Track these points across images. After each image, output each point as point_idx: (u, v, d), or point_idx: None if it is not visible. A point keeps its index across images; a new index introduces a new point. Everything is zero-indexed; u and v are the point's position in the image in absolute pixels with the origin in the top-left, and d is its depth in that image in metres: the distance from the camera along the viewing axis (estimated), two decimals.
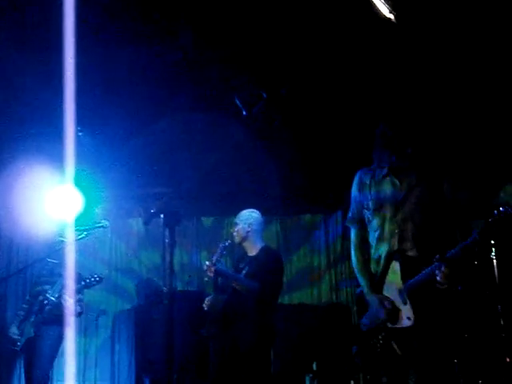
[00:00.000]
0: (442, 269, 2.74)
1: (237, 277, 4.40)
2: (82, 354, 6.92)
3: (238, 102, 2.72)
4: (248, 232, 4.54)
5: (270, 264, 4.44)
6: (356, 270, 3.22)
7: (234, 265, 4.73)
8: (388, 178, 3.10)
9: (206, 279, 4.50)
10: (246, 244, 4.56)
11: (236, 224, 4.60)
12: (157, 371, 6.27)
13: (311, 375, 5.96)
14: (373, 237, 3.12)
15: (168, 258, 2.75)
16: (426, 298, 2.87)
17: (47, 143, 5.73)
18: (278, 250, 4.92)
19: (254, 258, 4.49)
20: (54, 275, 5.12)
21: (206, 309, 4.50)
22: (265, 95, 2.68)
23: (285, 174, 6.41)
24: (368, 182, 3.17)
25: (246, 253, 4.62)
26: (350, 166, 6.21)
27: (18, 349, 5.04)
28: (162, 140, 5.73)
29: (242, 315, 4.30)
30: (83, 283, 5.07)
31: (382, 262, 3.04)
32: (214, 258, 4.38)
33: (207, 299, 4.50)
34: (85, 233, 4.93)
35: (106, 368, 7.07)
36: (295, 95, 4.39)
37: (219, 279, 4.48)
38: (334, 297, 7.04)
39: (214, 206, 6.80)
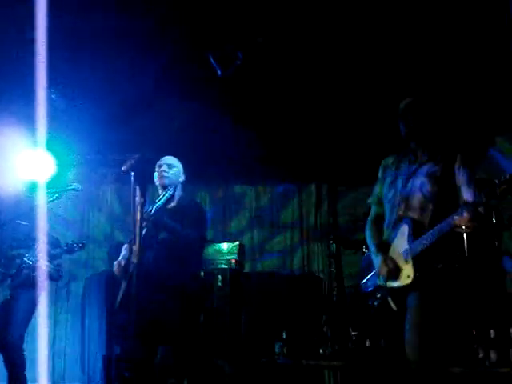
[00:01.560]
0: (464, 213, 2.87)
1: (175, 225, 4.02)
2: (52, 319, 6.89)
3: (212, 61, 2.66)
4: (179, 182, 4.28)
5: (198, 213, 4.22)
6: (367, 239, 3.44)
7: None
8: (407, 157, 3.36)
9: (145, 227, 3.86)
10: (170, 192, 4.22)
11: (171, 166, 4.25)
12: (127, 338, 6.26)
13: (281, 343, 6.01)
14: (387, 208, 3.35)
15: (138, 217, 2.73)
16: (428, 258, 3.04)
17: (19, 105, 5.62)
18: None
19: (176, 208, 4.16)
20: (30, 239, 5.06)
21: (117, 274, 4.09)
22: (240, 55, 2.62)
23: (259, 143, 6.36)
24: (390, 163, 3.44)
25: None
26: (327, 138, 6.31)
27: None
28: (135, 103, 5.64)
29: (170, 274, 3.95)
30: (65, 248, 5.01)
31: (391, 226, 3.26)
32: (154, 207, 4.05)
33: (118, 262, 4.11)
34: (56, 195, 4.89)
35: (76, 334, 7.04)
36: (273, 58, 4.32)
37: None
38: (306, 268, 7.07)
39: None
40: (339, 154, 6.59)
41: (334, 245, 6.53)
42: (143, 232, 3.91)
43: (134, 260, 2.69)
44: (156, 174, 4.32)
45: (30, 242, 5.03)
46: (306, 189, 7.28)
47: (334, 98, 5.71)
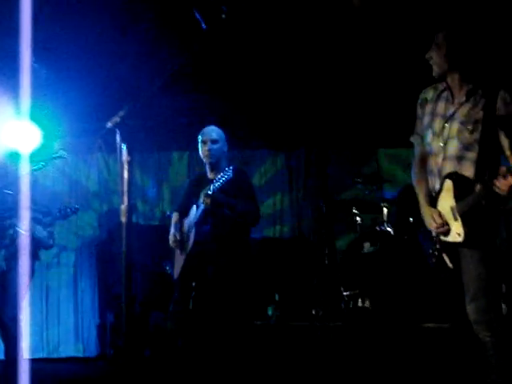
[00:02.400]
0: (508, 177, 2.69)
1: (235, 202, 4.12)
2: (44, 291, 6.89)
3: (197, 15, 2.60)
4: (224, 152, 4.31)
5: (248, 184, 4.29)
6: (414, 184, 3.25)
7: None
8: (445, 93, 3.08)
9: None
10: (216, 165, 4.28)
11: (215, 141, 4.25)
12: (121, 306, 6.27)
13: (274, 306, 6.05)
14: (427, 150, 3.14)
15: (125, 175, 2.68)
16: (476, 214, 2.88)
17: (2, 75, 5.53)
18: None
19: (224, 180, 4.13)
20: (21, 208, 5.01)
21: (174, 247, 4.31)
22: (225, 9, 2.56)
23: (244, 107, 6.28)
24: (429, 98, 3.14)
25: (204, 178, 4.38)
26: (315, 100, 6.23)
27: None
28: (122, 71, 5.56)
29: (225, 245, 4.18)
30: (58, 214, 4.97)
31: (433, 175, 3.09)
32: (212, 188, 4.07)
33: (174, 235, 4.30)
34: (41, 163, 4.84)
35: (69, 304, 7.03)
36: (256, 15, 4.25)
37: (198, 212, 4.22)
38: (297, 231, 7.07)
39: (175, 139, 6.67)
40: (328, 117, 6.53)
41: (324, 207, 6.52)
42: (201, 209, 4.16)
43: (123, 219, 2.65)
44: (200, 149, 4.30)
45: (20, 210, 4.99)
46: (295, 153, 7.22)
47: (319, 58, 5.61)
